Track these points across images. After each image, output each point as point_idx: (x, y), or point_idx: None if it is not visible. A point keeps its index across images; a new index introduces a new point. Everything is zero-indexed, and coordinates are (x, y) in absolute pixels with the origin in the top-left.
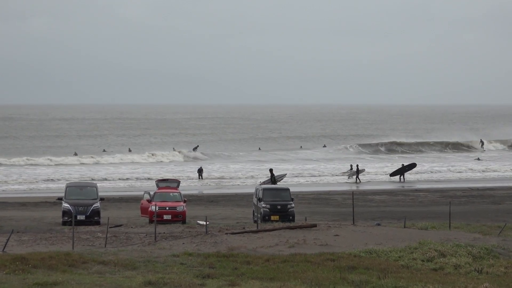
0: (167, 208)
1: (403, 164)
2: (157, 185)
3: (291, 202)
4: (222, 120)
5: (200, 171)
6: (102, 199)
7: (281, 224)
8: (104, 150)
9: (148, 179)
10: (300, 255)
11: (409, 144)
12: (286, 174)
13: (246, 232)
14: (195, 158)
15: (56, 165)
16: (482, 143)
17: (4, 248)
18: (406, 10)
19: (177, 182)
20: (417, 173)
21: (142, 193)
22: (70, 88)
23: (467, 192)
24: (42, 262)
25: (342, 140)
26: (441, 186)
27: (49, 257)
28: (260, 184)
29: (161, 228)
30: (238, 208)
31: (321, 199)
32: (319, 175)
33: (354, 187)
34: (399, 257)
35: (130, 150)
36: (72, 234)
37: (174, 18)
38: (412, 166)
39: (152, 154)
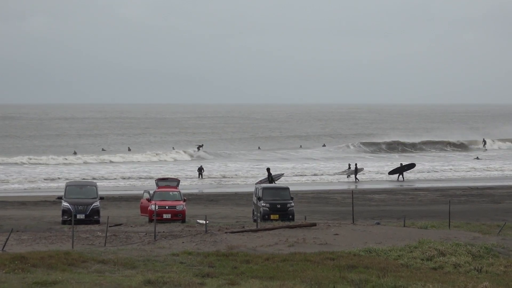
0: (167, 207)
1: (401, 164)
2: (156, 184)
3: (290, 201)
4: (222, 119)
5: (200, 170)
6: (101, 198)
7: (281, 223)
8: (103, 149)
9: (148, 178)
10: (299, 254)
11: (409, 143)
12: (283, 174)
13: (245, 231)
14: (200, 157)
15: (55, 164)
16: (485, 142)
17: (3, 247)
18: (406, 10)
19: (177, 181)
20: (417, 172)
21: (141, 192)
22: (70, 88)
23: (466, 191)
24: (41, 261)
25: (342, 139)
26: (440, 185)
27: (48, 256)
28: (256, 183)
29: (160, 227)
30: (238, 207)
31: (321, 198)
32: (319, 174)
33: (352, 186)
34: (399, 256)
35: (129, 149)
36: (72, 233)
37: (174, 18)
38: (411, 166)
39: (156, 154)
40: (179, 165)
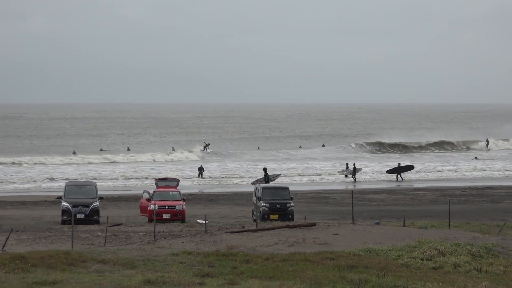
0: (167, 207)
1: (399, 164)
2: (156, 184)
3: (290, 201)
4: (222, 119)
5: (200, 169)
6: (101, 198)
7: (281, 223)
8: (101, 149)
9: (148, 178)
10: (299, 254)
11: (408, 143)
12: (280, 174)
13: (245, 231)
14: (208, 157)
15: (55, 164)
16: (488, 142)
17: (3, 247)
18: (406, 10)
19: (177, 181)
20: (416, 172)
21: (141, 192)
22: (70, 87)
23: (466, 191)
24: (41, 261)
25: (342, 139)
26: (440, 185)
27: (48, 256)
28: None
29: (160, 227)
30: (238, 207)
31: (320, 198)
32: (319, 174)
33: (350, 186)
34: (399, 256)
35: (129, 149)
36: (72, 233)
37: (174, 18)
38: (409, 168)
39: (167, 153)
40: (179, 165)
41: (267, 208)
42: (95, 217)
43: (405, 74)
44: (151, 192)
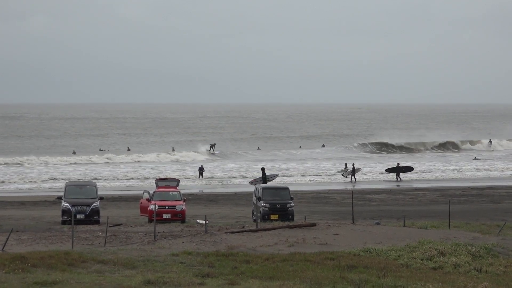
0: (167, 207)
1: (398, 164)
2: (156, 184)
3: (290, 201)
4: (222, 119)
5: (201, 169)
6: (101, 198)
7: (281, 223)
8: (100, 149)
9: (148, 178)
10: (299, 254)
11: (408, 143)
12: (278, 174)
13: (245, 231)
14: (215, 156)
15: (55, 164)
16: (491, 142)
17: (3, 247)
18: (406, 10)
19: (177, 181)
20: (416, 172)
21: (141, 192)
22: (70, 87)
23: (466, 191)
24: (41, 261)
25: (342, 139)
26: (440, 185)
27: (48, 256)
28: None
29: (160, 227)
30: (238, 207)
31: (321, 198)
32: (319, 174)
33: (349, 186)
34: (399, 256)
35: (129, 149)
36: (72, 233)
37: (174, 18)
38: (409, 169)
39: (170, 153)
40: (179, 165)
41: (267, 208)
42: (95, 217)
43: (405, 74)
44: (151, 192)
